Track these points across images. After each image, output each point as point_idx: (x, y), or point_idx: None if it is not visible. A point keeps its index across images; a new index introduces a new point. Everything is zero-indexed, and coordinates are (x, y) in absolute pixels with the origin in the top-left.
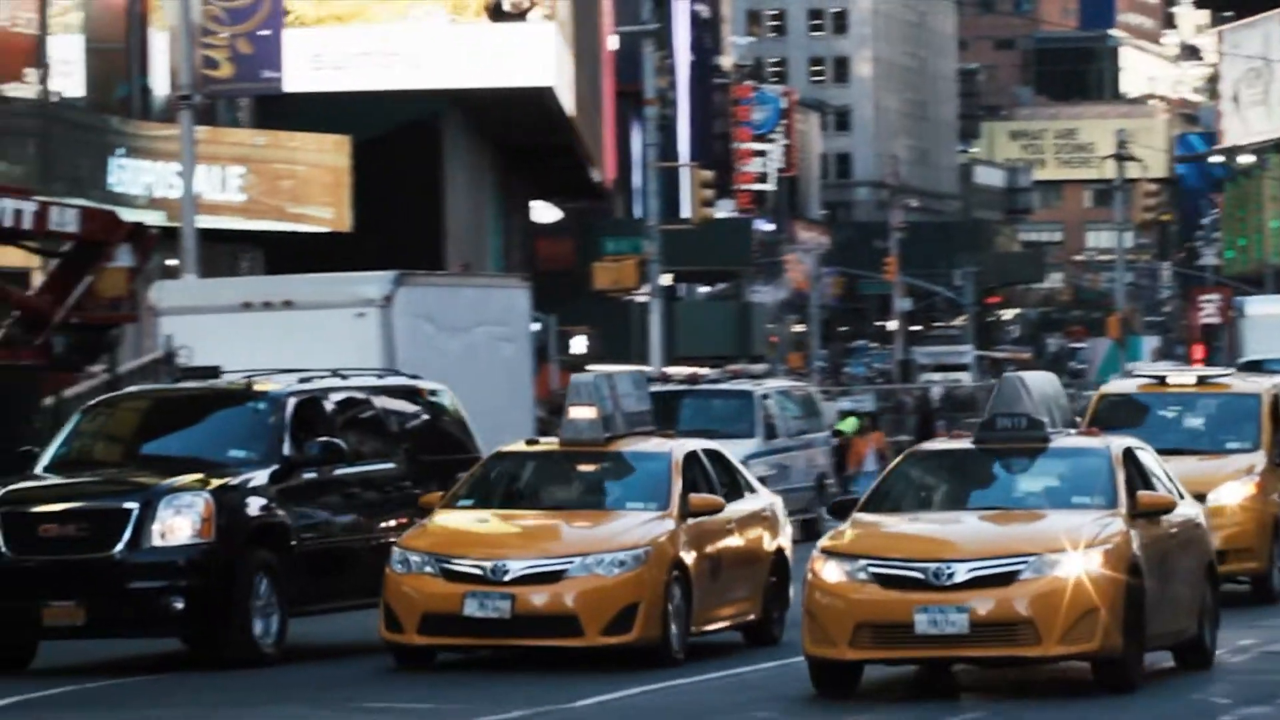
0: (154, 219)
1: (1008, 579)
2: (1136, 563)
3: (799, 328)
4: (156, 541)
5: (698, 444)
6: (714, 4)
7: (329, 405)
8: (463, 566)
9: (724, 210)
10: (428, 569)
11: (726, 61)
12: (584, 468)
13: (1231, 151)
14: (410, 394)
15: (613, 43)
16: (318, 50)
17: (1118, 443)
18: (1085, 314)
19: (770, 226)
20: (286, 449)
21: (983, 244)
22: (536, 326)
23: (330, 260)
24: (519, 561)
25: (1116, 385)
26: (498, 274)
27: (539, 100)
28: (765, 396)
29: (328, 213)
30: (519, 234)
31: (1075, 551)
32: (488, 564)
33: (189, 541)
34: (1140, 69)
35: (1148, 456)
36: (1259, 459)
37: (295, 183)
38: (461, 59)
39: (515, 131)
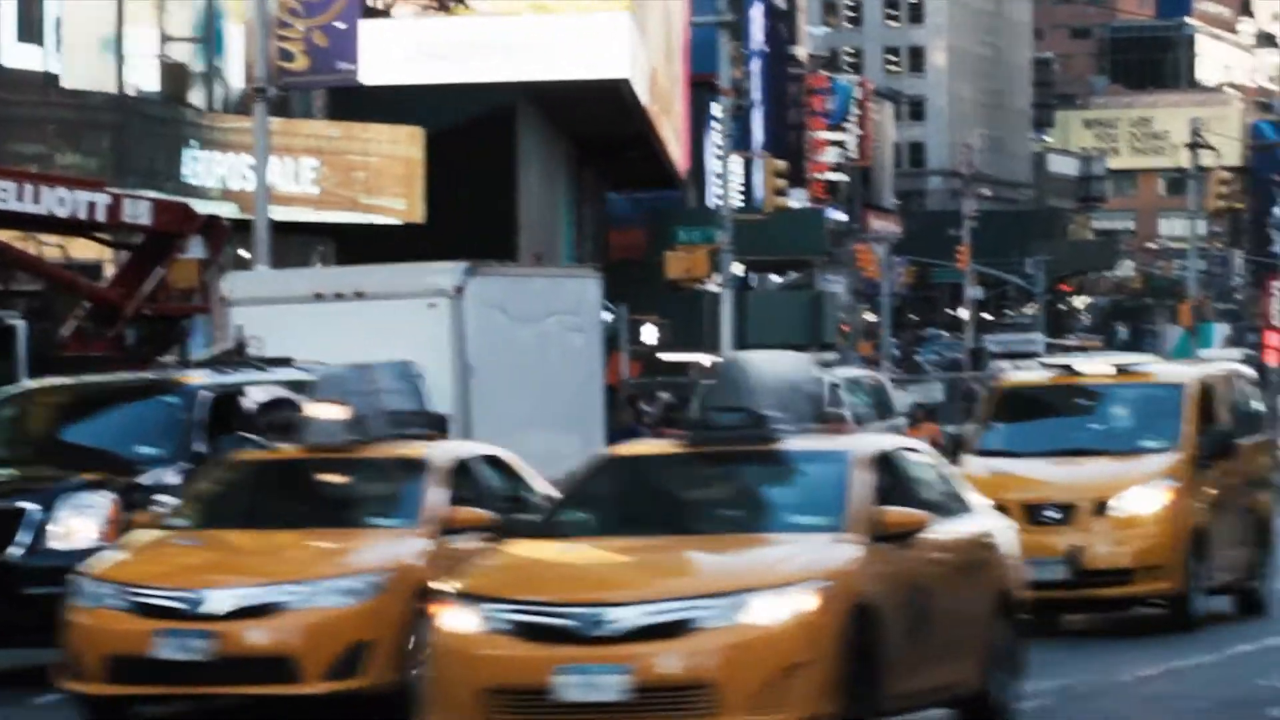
0: (227, 211)
1: (683, 628)
2: (869, 602)
3: (870, 317)
4: (56, 544)
5: (482, 449)
6: (790, 2)
7: (249, 401)
8: (154, 598)
9: (796, 200)
10: (112, 602)
11: (802, 51)
12: (326, 478)
13: None
14: None
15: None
16: (394, 42)
17: (868, 443)
18: (1157, 301)
19: (843, 216)
20: (199, 446)
21: (1056, 232)
22: (608, 317)
23: (403, 252)
24: (225, 591)
25: (1020, 376)
26: (570, 265)
27: (614, 92)
28: (836, 385)
29: (400, 204)
30: (591, 224)
31: (779, 589)
32: (185, 594)
33: (91, 545)
34: (1216, 57)
35: (918, 459)
36: (1177, 460)
37: (368, 174)
38: (537, 51)
39: (589, 123)
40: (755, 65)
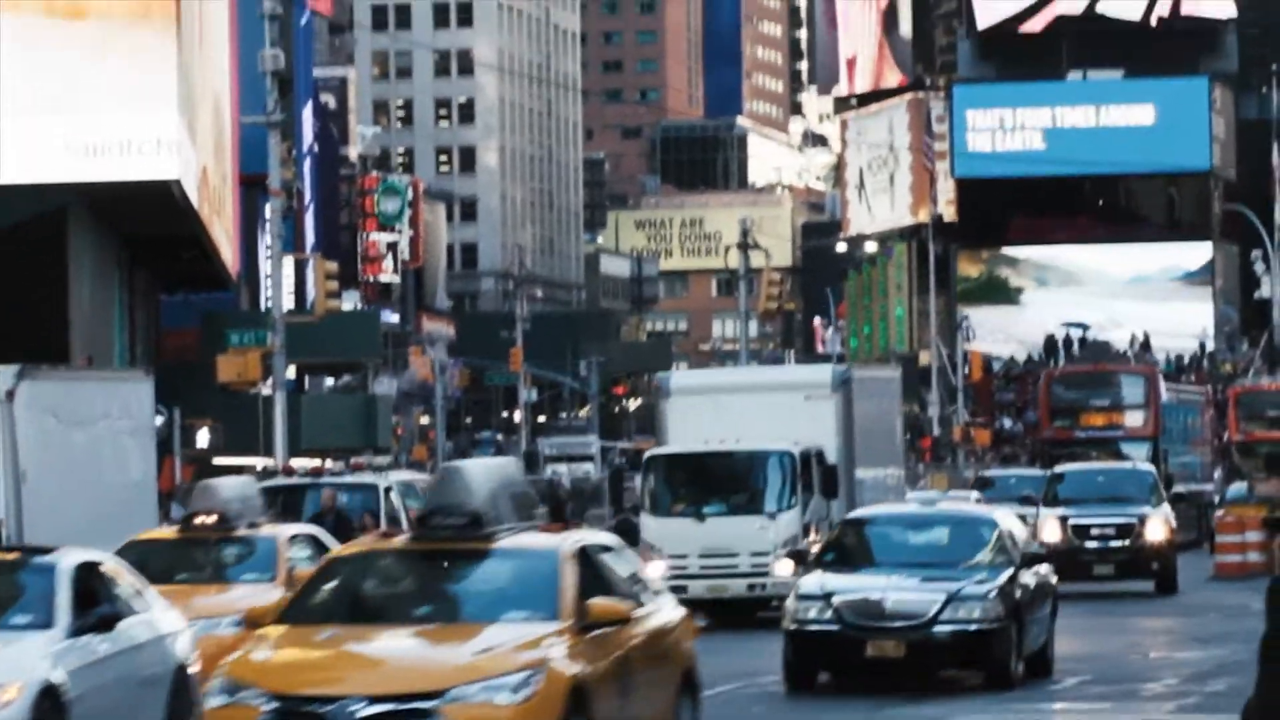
0: None
1: (421, 716)
2: (583, 683)
3: (425, 420)
4: None
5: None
6: (341, 95)
7: None
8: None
9: (349, 302)
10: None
11: (353, 152)
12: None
13: (855, 240)
14: None
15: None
16: None
17: (573, 539)
18: None
19: (396, 318)
20: None
21: (609, 334)
22: (160, 420)
23: None
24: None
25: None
26: (122, 368)
27: (165, 193)
28: (389, 489)
29: None
30: (144, 326)
31: (504, 676)
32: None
33: None
34: (767, 158)
35: (614, 558)
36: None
37: None
38: (86, 151)
39: (141, 224)
40: (306, 165)
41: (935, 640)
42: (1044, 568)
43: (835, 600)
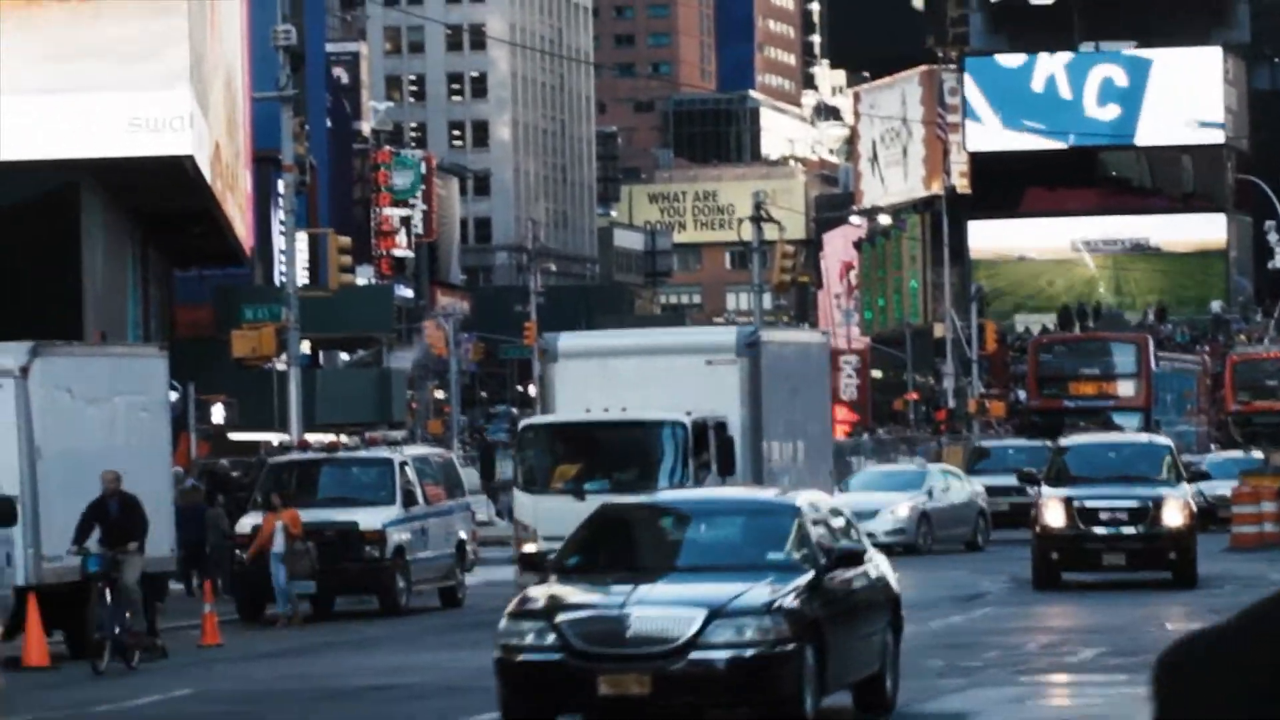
0: None
1: None
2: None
3: (440, 394)
4: None
5: None
6: (353, 70)
7: None
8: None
9: (364, 277)
10: None
11: (366, 127)
12: None
13: (870, 213)
14: None
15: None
16: None
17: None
18: None
19: (410, 293)
20: None
21: (623, 307)
22: (174, 396)
23: None
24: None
25: None
26: (136, 344)
27: (178, 169)
28: (404, 464)
29: None
30: (158, 302)
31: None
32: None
33: None
34: (780, 131)
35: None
36: None
37: None
38: (98, 127)
39: (154, 200)
40: (319, 141)
41: (693, 672)
42: (875, 567)
43: (560, 620)
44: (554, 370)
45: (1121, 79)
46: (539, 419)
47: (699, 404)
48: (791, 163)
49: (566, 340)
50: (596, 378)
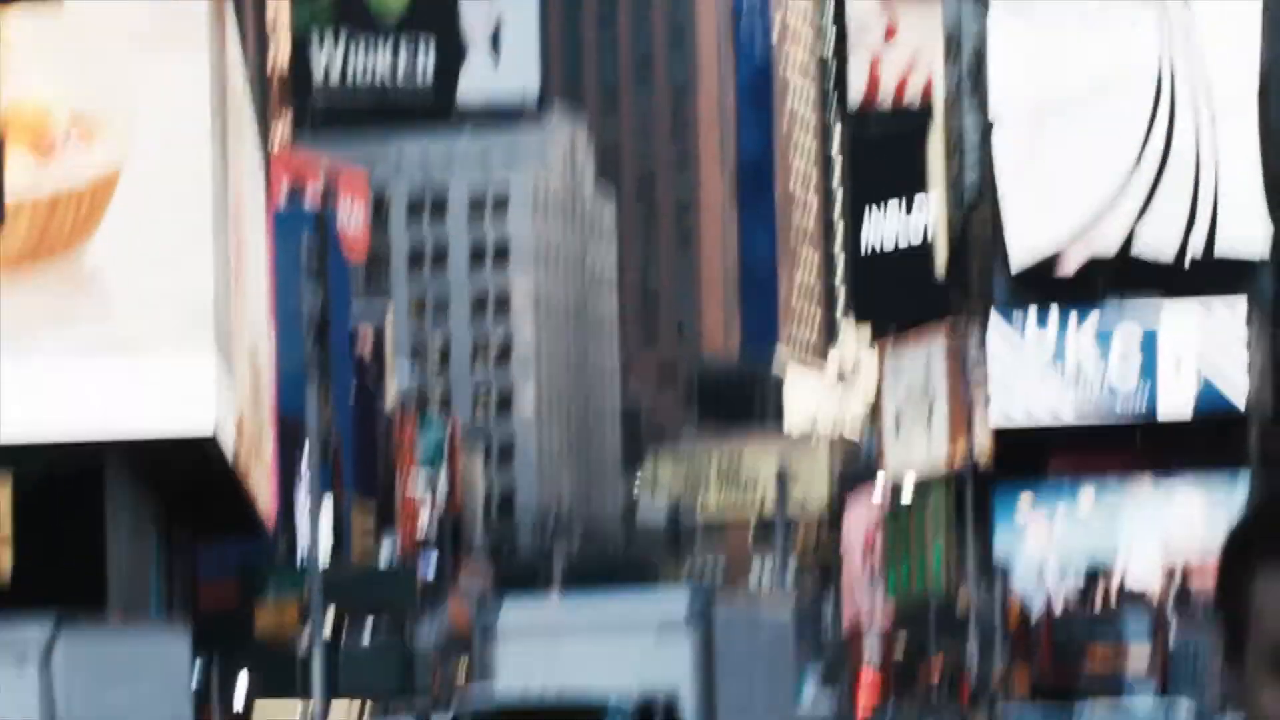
0: None
1: None
2: None
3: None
4: None
5: None
6: (378, 342)
7: None
8: None
9: (388, 545)
10: None
11: (390, 395)
12: None
13: (893, 488)
14: None
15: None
16: None
17: None
18: None
19: (433, 566)
20: None
21: (648, 578)
22: (196, 671)
23: None
24: None
25: None
26: (159, 619)
27: (201, 447)
28: None
29: None
30: (181, 577)
31: None
32: None
33: None
34: (803, 396)
35: None
36: None
37: None
38: (124, 406)
39: (178, 478)
40: (344, 405)
41: None
42: None
43: None
44: (496, 652)
45: (1146, 339)
46: (469, 706)
47: (649, 681)
48: (814, 437)
49: (508, 618)
50: (541, 660)
